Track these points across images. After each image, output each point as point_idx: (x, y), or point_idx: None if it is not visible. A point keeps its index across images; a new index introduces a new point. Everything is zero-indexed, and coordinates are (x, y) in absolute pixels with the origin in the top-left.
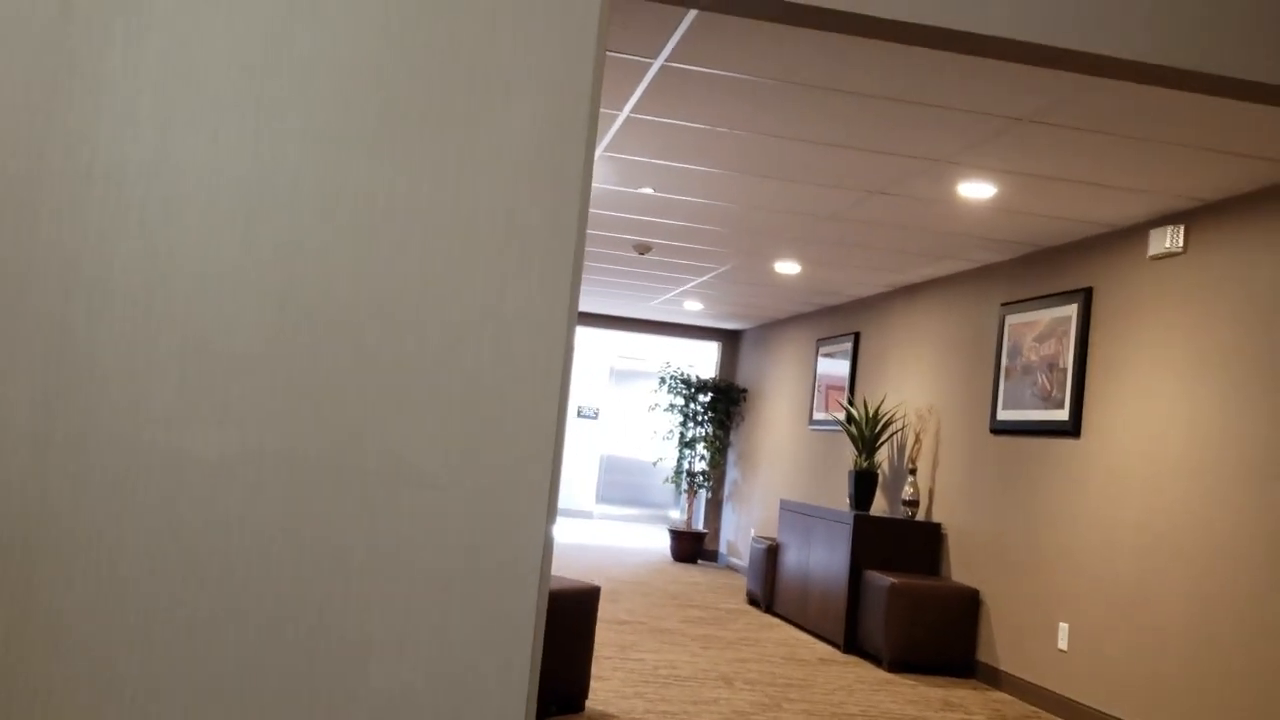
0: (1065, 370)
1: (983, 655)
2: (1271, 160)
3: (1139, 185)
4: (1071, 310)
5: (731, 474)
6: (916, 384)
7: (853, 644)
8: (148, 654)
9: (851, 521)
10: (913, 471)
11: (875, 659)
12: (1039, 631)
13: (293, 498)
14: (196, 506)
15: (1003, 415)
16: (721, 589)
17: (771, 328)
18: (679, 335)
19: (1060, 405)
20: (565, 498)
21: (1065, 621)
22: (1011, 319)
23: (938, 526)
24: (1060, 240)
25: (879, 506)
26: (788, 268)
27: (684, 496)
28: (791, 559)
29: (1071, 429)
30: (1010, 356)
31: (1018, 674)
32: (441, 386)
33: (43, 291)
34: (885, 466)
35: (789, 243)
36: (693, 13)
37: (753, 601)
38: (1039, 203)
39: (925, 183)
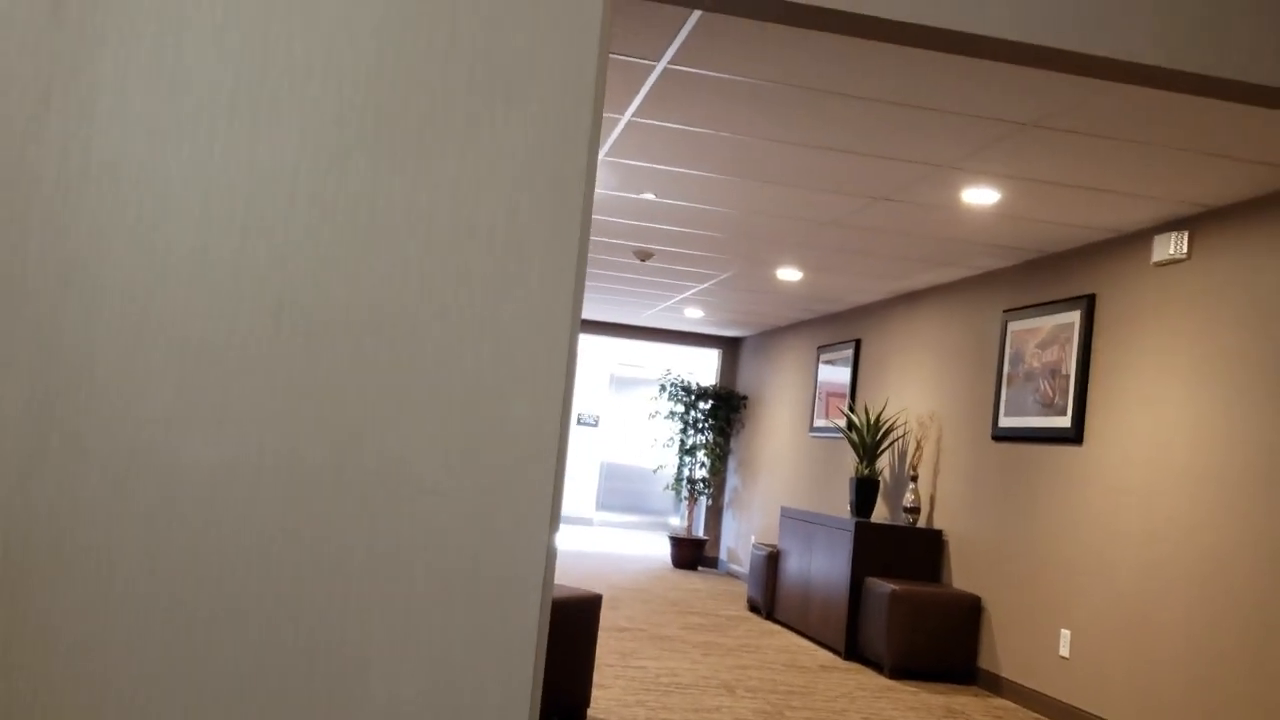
0: (1068, 377)
1: (984, 662)
2: (1276, 165)
3: (1143, 191)
4: (1074, 317)
5: (732, 481)
6: (918, 391)
7: (854, 651)
8: (143, 661)
9: (853, 528)
10: (914, 478)
11: (876, 666)
12: (1041, 638)
13: (291, 503)
14: (193, 512)
15: (1005, 422)
16: (722, 596)
17: (772, 335)
18: (679, 342)
19: (1063, 412)
20: (565, 505)
21: (1067, 628)
22: (1014, 325)
23: (939, 533)
24: (1063, 246)
25: (880, 513)
26: (789, 274)
27: (684, 503)
28: (792, 566)
29: (1074, 436)
30: (1012, 363)
31: (1020, 681)
32: (442, 392)
33: (36, 296)
34: (886, 473)
35: (791, 249)
36: (696, 15)
37: (753, 608)
38: (1042, 209)
39: (928, 188)
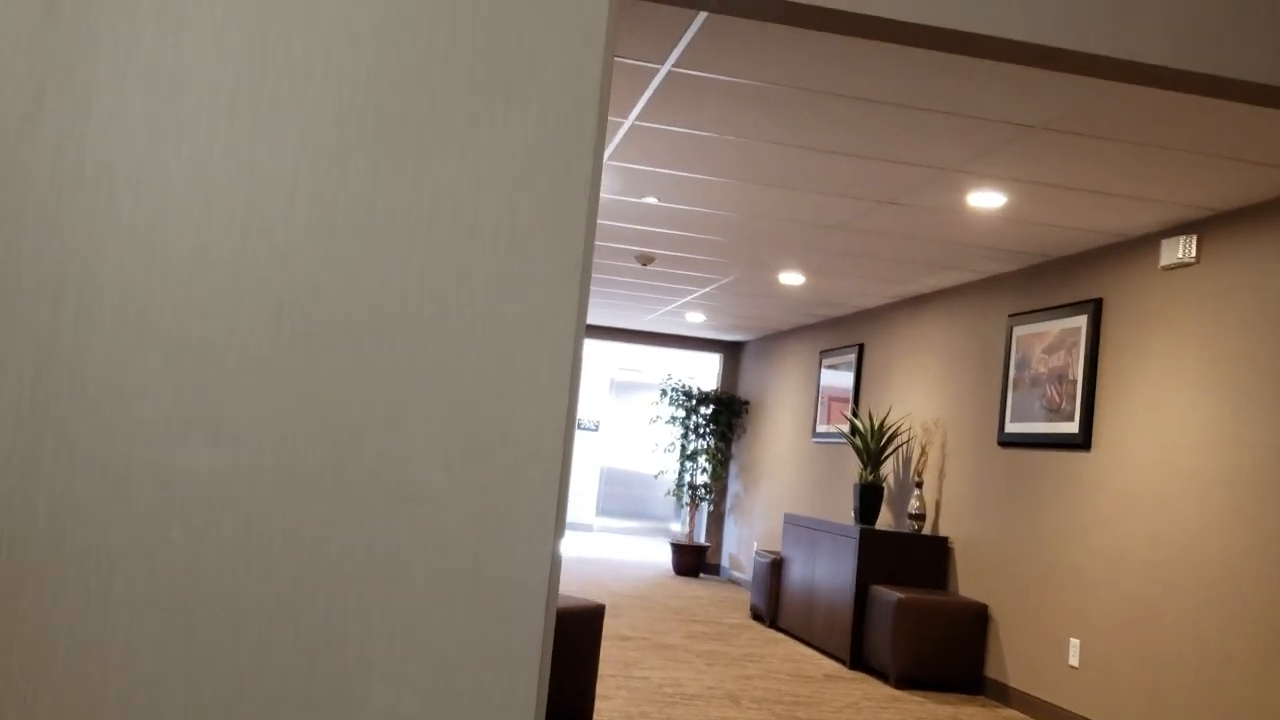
0: (1075, 382)
1: (991, 672)
2: None
3: (1151, 194)
4: (1081, 321)
5: (733, 487)
6: (922, 396)
7: (859, 660)
8: (143, 664)
9: (857, 535)
10: (919, 485)
11: (882, 675)
12: (1049, 647)
13: (289, 513)
14: (189, 523)
15: (1011, 428)
16: (724, 603)
17: (774, 339)
18: (680, 347)
19: (1070, 418)
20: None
21: (1076, 637)
22: (1019, 330)
23: (944, 540)
24: (1069, 250)
25: (884, 520)
26: (792, 278)
27: (686, 509)
28: (796, 573)
29: (1082, 442)
30: (1018, 368)
31: (1028, 691)
32: (444, 399)
33: (28, 302)
34: (891, 479)
35: (794, 253)
36: (701, 17)
37: (756, 616)
38: (1049, 212)
39: (934, 192)
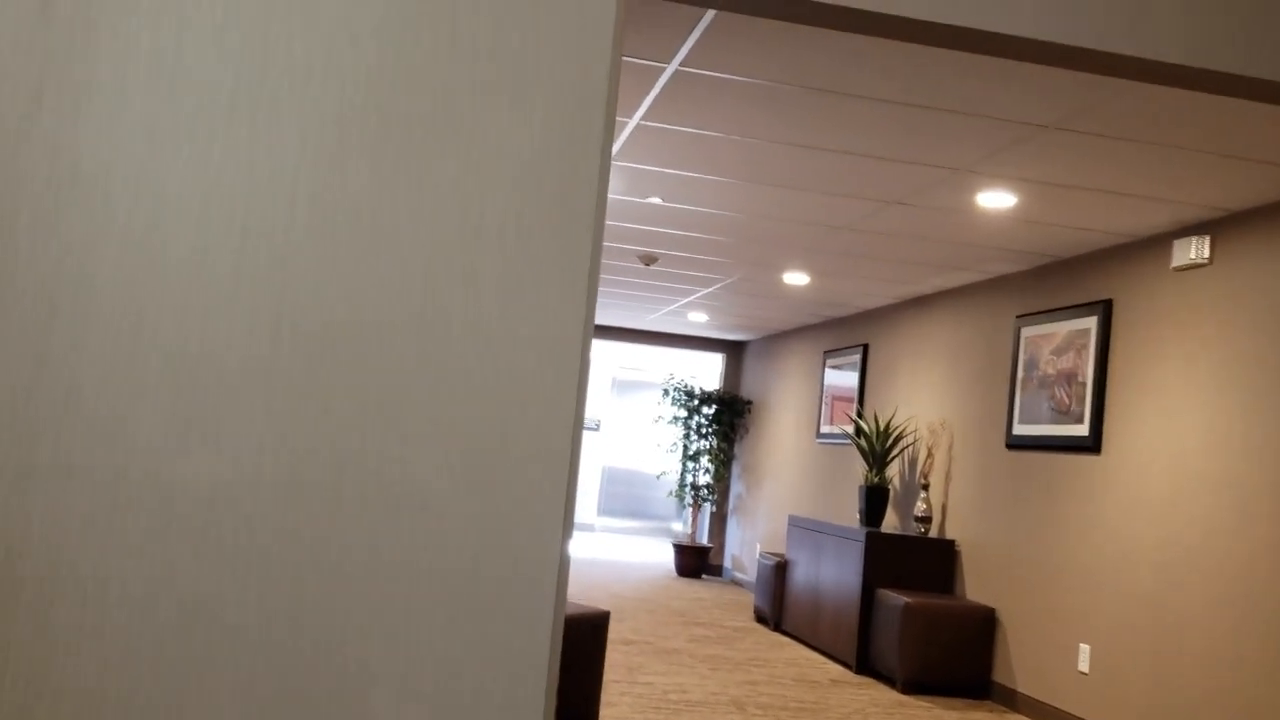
0: (1084, 384)
1: (999, 676)
2: None
3: (1164, 194)
4: (1091, 322)
5: (736, 487)
6: (928, 397)
7: (865, 664)
8: (137, 686)
9: (863, 539)
10: (925, 487)
11: (889, 680)
12: (1058, 653)
13: (289, 525)
14: (187, 536)
15: (1019, 430)
16: (728, 606)
17: (777, 339)
18: (682, 346)
19: (1079, 420)
20: None
21: (1086, 643)
22: (1027, 331)
23: (951, 543)
24: (1079, 251)
25: (890, 522)
26: (796, 279)
27: (688, 510)
28: (801, 576)
29: (1091, 444)
30: (1026, 370)
31: (1036, 696)
32: (448, 404)
33: (21, 309)
34: (896, 481)
35: (799, 253)
36: (710, 15)
37: (760, 619)
38: (1060, 213)
39: (944, 192)
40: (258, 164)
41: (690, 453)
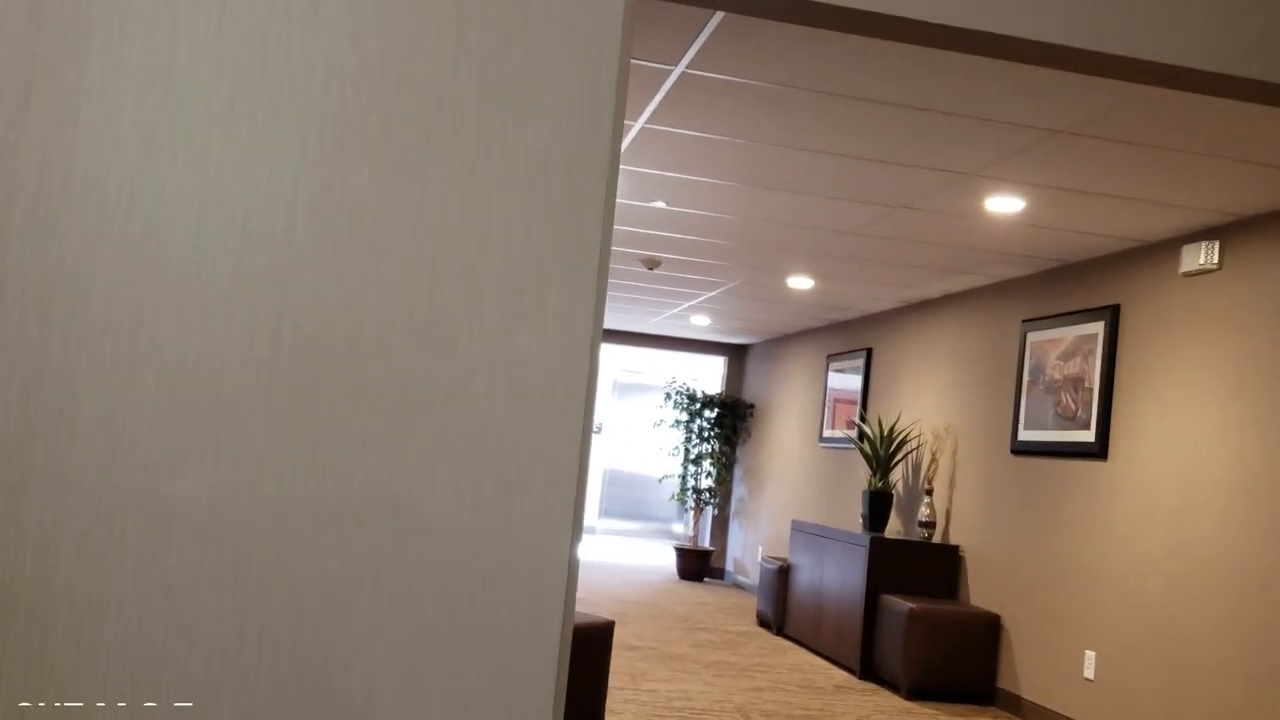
0: (1091, 390)
1: (1004, 683)
2: None
3: (1173, 199)
4: (1098, 328)
5: (738, 491)
6: (932, 402)
7: (869, 670)
8: (134, 710)
9: (867, 544)
10: (929, 492)
11: (893, 686)
12: (1064, 659)
13: (290, 545)
14: (184, 555)
15: (1024, 435)
16: (731, 609)
17: (779, 342)
18: (684, 350)
19: (1086, 426)
20: None
21: (1092, 649)
22: (1033, 336)
23: (956, 549)
24: (1086, 255)
25: (893, 528)
26: (800, 283)
27: (690, 513)
28: (804, 580)
29: (1098, 450)
30: (1032, 375)
31: (1041, 703)
32: (452, 423)
33: (15, 318)
34: (900, 486)
35: (804, 257)
36: (717, 18)
37: (763, 623)
38: (1068, 217)
39: (951, 196)
40: (256, 172)
41: (692, 456)
